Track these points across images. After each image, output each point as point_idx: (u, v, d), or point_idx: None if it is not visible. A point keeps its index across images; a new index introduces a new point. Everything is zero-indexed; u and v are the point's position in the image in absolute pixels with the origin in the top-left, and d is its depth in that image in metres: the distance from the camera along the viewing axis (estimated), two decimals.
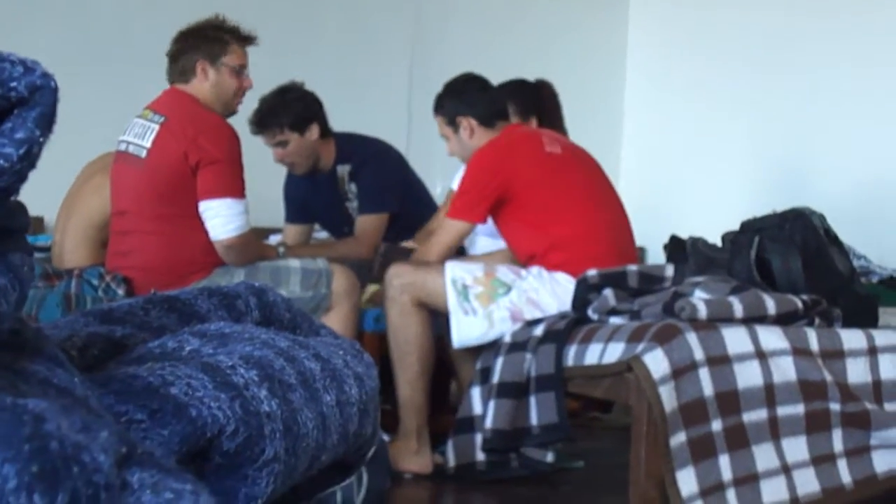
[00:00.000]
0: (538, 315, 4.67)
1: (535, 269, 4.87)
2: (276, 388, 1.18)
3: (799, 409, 3.95)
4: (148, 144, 4.76)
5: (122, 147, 4.88)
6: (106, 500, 0.75)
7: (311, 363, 1.27)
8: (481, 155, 4.99)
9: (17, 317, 1.02)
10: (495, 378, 4.48)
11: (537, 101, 5.73)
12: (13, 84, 0.96)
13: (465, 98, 5.15)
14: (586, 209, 4.98)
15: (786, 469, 3.91)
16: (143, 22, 6.63)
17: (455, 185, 5.69)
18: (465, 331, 4.77)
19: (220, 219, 4.75)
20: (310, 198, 5.95)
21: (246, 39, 5.01)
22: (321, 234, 6.27)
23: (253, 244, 4.92)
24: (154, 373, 1.10)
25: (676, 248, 4.70)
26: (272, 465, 1.14)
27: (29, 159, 0.97)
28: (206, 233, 4.76)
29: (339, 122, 5.88)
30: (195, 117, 4.79)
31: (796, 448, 3.94)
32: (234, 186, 4.78)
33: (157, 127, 4.77)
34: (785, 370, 3.94)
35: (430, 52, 7.64)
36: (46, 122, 0.97)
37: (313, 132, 5.66)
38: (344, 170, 5.83)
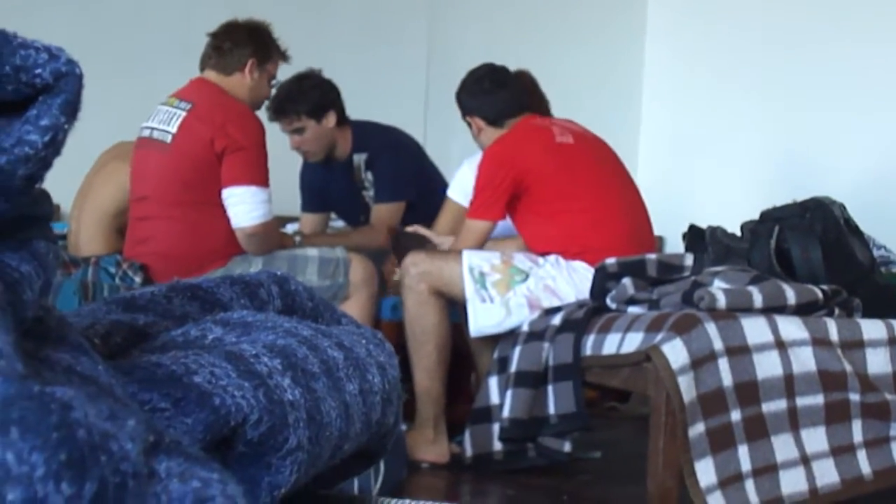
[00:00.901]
0: (556, 303, 4.67)
1: (552, 257, 4.86)
2: (300, 377, 1.17)
3: (818, 399, 3.94)
4: (174, 130, 4.77)
5: (146, 133, 4.90)
6: (133, 488, 0.74)
7: (335, 352, 1.27)
8: (492, 152, 5.00)
9: (41, 304, 1.01)
10: (513, 367, 4.48)
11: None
12: (38, 71, 0.96)
13: (473, 98, 5.21)
14: (601, 198, 4.97)
15: (805, 460, 3.90)
16: (159, 11, 6.62)
17: (451, 194, 5.69)
18: (483, 319, 4.77)
19: (244, 206, 4.77)
20: (326, 186, 5.95)
21: (284, 55, 5.16)
22: (338, 223, 6.27)
23: (275, 233, 4.94)
24: (177, 361, 1.10)
25: (695, 237, 4.69)
26: (296, 454, 1.13)
27: (54, 146, 0.97)
28: (226, 221, 4.76)
29: (356, 110, 5.87)
30: (223, 105, 4.83)
31: (816, 439, 3.93)
32: (258, 174, 4.80)
33: (183, 114, 4.79)
34: (804, 360, 3.93)
35: (448, 40, 7.63)
36: (71, 110, 0.97)
37: (330, 120, 5.66)
38: (360, 158, 5.83)
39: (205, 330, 1.21)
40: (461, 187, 5.66)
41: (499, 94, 5.18)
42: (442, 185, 5.92)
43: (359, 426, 1.25)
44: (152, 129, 4.89)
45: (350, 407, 1.23)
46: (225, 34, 5.04)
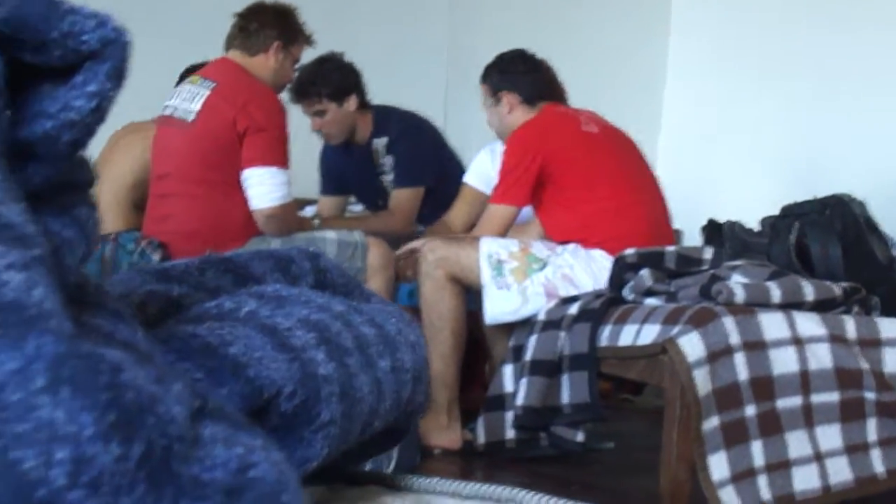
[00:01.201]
0: (573, 292, 4.66)
1: (571, 246, 4.86)
2: (334, 352, 1.18)
3: (834, 396, 3.93)
4: (196, 108, 4.78)
5: (168, 112, 4.91)
6: (179, 451, 0.75)
7: (367, 328, 1.27)
8: (519, 137, 4.98)
9: (80, 271, 1.02)
10: (528, 356, 4.47)
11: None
12: (85, 37, 0.96)
13: (510, 75, 5.17)
14: (622, 189, 4.96)
15: (818, 457, 3.89)
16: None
17: (468, 180, 5.68)
18: (499, 306, 4.76)
19: (263, 187, 4.77)
20: (345, 170, 5.95)
21: (309, 39, 5.18)
22: (356, 207, 6.27)
23: (293, 215, 4.95)
24: (213, 332, 1.10)
25: (713, 231, 4.69)
26: (328, 429, 1.14)
27: (99, 113, 0.97)
28: (246, 202, 4.77)
29: (376, 95, 5.88)
30: (247, 85, 4.84)
31: (830, 436, 3.92)
32: (278, 156, 4.81)
33: (206, 92, 4.80)
34: (821, 357, 3.92)
35: (468, 27, 7.62)
36: (118, 76, 0.97)
37: (351, 103, 5.66)
38: (380, 142, 5.83)
39: (239, 302, 1.21)
40: (478, 174, 5.65)
41: (533, 75, 5.20)
42: (461, 172, 5.91)
43: (389, 403, 1.26)
44: (174, 107, 4.90)
45: (382, 383, 1.24)
46: (252, 14, 5.06)
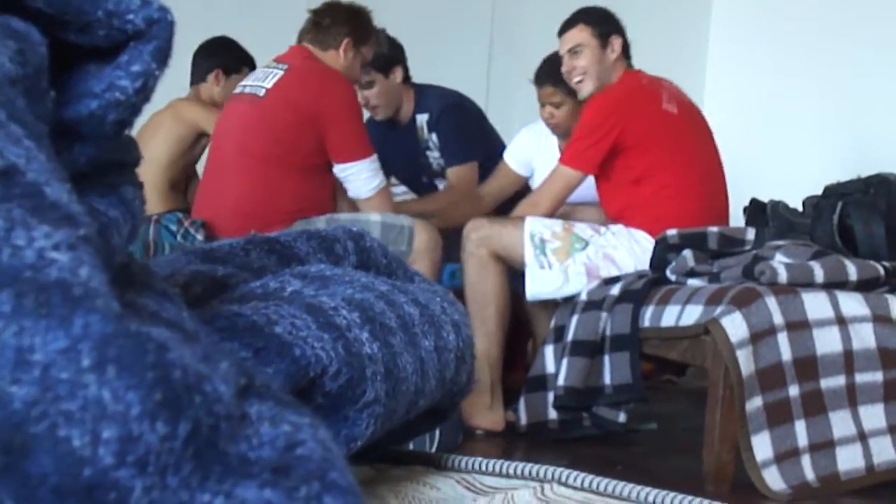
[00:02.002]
0: (614, 272, 4.64)
1: (614, 227, 4.84)
2: (378, 331, 1.18)
3: (878, 376, 3.92)
4: (268, 85, 4.87)
5: (238, 90, 4.98)
6: (226, 430, 0.75)
7: (411, 308, 1.27)
8: (603, 102, 4.90)
9: (126, 250, 1.02)
10: (569, 336, 4.47)
11: None
12: (130, 17, 0.96)
13: (619, 25, 5.13)
14: (686, 175, 4.88)
15: (862, 436, 3.88)
16: None
17: (507, 157, 5.67)
18: (540, 284, 4.76)
19: (360, 181, 4.92)
20: (387, 151, 5.95)
21: (380, 43, 5.27)
22: (397, 189, 6.26)
23: (389, 197, 5.09)
24: (258, 311, 1.11)
25: (756, 211, 4.66)
26: (373, 407, 1.14)
27: (144, 92, 0.97)
28: (299, 184, 4.81)
29: (417, 74, 5.87)
30: (321, 72, 4.92)
31: (873, 416, 3.91)
32: (365, 145, 4.93)
33: (280, 73, 4.89)
34: (864, 337, 3.91)
35: (511, 8, 7.60)
36: (163, 56, 0.97)
37: (397, 75, 5.67)
38: (423, 119, 5.83)
39: (284, 282, 1.22)
40: (517, 153, 5.64)
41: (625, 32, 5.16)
42: (503, 151, 5.89)
43: (434, 383, 1.26)
44: (246, 85, 4.97)
45: (426, 363, 1.24)
46: (326, 11, 5.13)
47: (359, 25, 5.11)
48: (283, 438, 0.79)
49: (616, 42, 5.03)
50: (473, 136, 5.78)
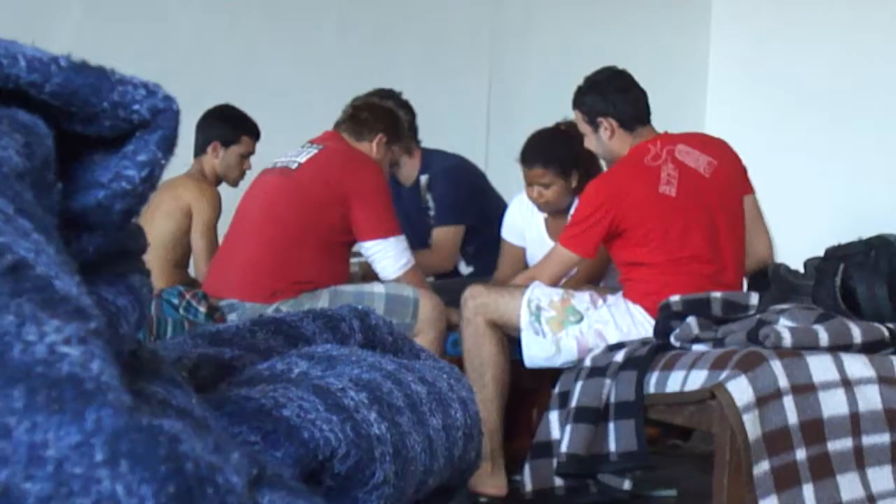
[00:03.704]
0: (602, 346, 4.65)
1: (612, 298, 4.82)
2: (385, 411, 1.18)
3: (885, 438, 3.91)
4: (302, 160, 4.98)
5: (271, 164, 5.07)
6: None
7: (418, 386, 1.27)
8: (596, 188, 4.85)
9: (136, 338, 1.03)
10: (573, 402, 4.47)
11: None
12: (135, 107, 0.97)
13: (606, 96, 4.96)
14: (679, 258, 4.76)
15: (871, 499, 3.88)
16: (221, 45, 6.68)
17: (505, 235, 5.69)
18: (534, 350, 4.76)
19: (388, 260, 5.02)
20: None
21: (410, 149, 5.56)
22: None
23: (419, 275, 5.17)
24: (266, 395, 1.11)
25: (758, 274, 4.67)
26: (382, 489, 1.14)
27: (150, 182, 0.98)
28: (313, 258, 4.87)
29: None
30: (354, 154, 5.08)
31: (882, 478, 3.90)
32: (393, 224, 5.05)
33: (315, 151, 5.03)
34: (871, 399, 3.91)
35: (510, 55, 7.63)
36: (168, 145, 0.98)
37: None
38: (424, 180, 5.91)
39: (290, 364, 1.22)
40: (510, 227, 5.69)
41: (630, 94, 5.01)
42: (504, 214, 5.93)
43: (442, 461, 1.26)
44: (278, 160, 5.06)
45: (434, 442, 1.24)
46: (365, 106, 5.34)
47: (394, 125, 5.29)
48: None
49: (605, 122, 4.94)
50: (466, 200, 5.84)
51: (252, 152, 5.65)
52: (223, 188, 5.65)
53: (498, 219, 5.81)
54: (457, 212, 5.83)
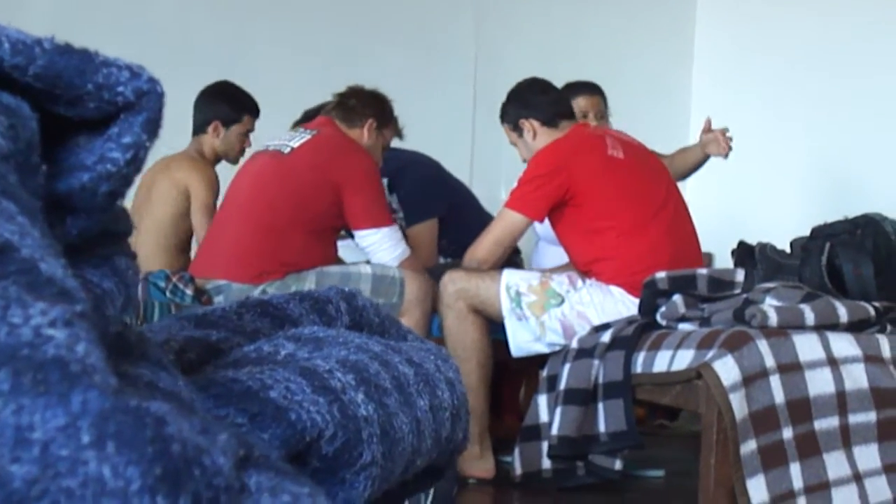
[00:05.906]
0: (587, 329, 4.66)
1: (590, 281, 4.84)
2: (373, 392, 1.18)
3: (871, 416, 3.92)
4: (295, 145, 4.98)
5: (263, 147, 5.07)
6: (226, 502, 0.75)
7: (405, 367, 1.27)
8: (543, 153, 4.95)
9: (121, 320, 1.02)
10: (562, 385, 4.47)
11: None
12: (120, 89, 0.97)
13: (526, 101, 5.14)
14: (645, 217, 4.89)
15: (857, 477, 3.88)
16: (204, 31, 6.67)
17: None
18: (521, 336, 4.77)
19: (385, 249, 5.01)
20: None
21: (400, 132, 5.47)
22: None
23: (415, 260, 5.18)
24: (253, 377, 1.11)
25: (744, 253, 4.68)
26: (369, 469, 1.14)
27: (135, 164, 0.98)
28: (301, 242, 4.86)
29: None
30: (347, 142, 5.08)
31: (868, 456, 3.91)
32: (386, 214, 5.09)
33: (307, 136, 5.04)
34: (857, 377, 3.92)
35: (494, 61, 7.63)
36: (153, 127, 0.98)
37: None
38: (384, 182, 5.86)
39: (277, 346, 1.22)
40: None
41: (550, 95, 5.19)
42: (470, 199, 5.93)
43: (430, 442, 1.26)
44: (271, 143, 5.06)
45: (421, 422, 1.24)
46: (351, 93, 5.32)
47: (382, 109, 5.30)
48: None
49: (527, 123, 5.08)
50: (431, 192, 5.81)
51: (252, 129, 5.63)
52: (220, 168, 5.62)
53: (466, 206, 5.81)
54: (426, 207, 5.80)
